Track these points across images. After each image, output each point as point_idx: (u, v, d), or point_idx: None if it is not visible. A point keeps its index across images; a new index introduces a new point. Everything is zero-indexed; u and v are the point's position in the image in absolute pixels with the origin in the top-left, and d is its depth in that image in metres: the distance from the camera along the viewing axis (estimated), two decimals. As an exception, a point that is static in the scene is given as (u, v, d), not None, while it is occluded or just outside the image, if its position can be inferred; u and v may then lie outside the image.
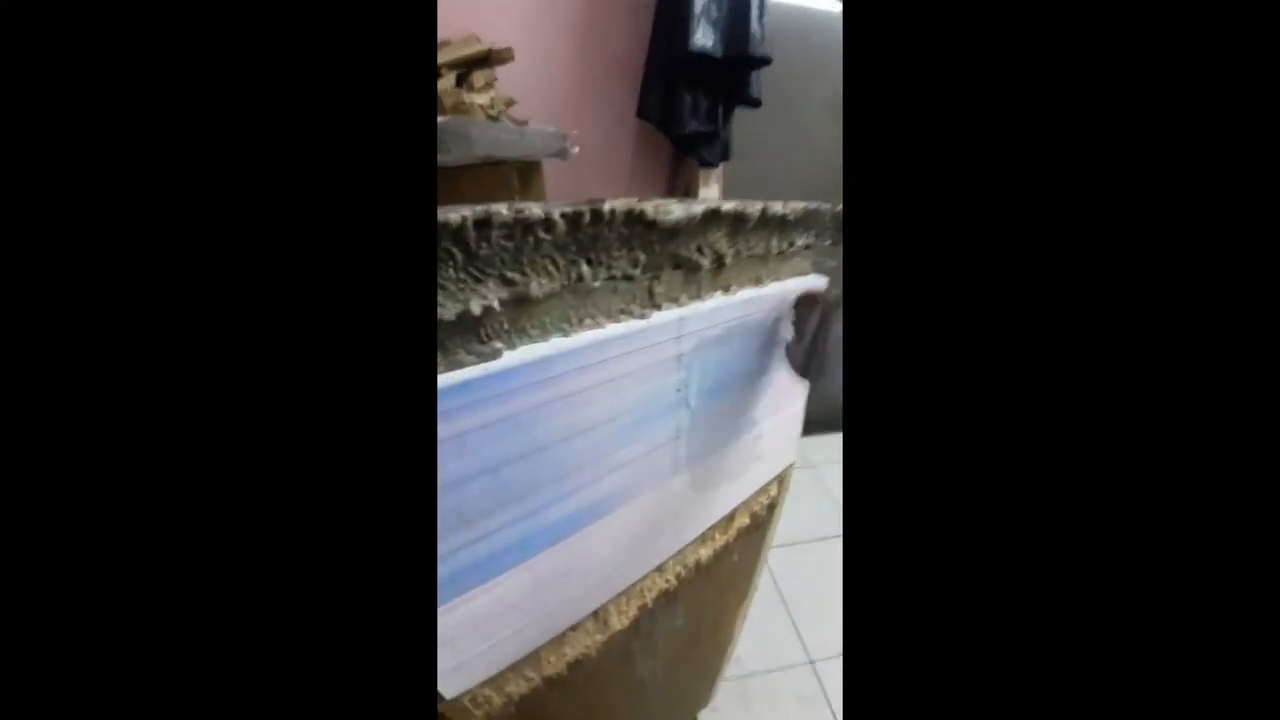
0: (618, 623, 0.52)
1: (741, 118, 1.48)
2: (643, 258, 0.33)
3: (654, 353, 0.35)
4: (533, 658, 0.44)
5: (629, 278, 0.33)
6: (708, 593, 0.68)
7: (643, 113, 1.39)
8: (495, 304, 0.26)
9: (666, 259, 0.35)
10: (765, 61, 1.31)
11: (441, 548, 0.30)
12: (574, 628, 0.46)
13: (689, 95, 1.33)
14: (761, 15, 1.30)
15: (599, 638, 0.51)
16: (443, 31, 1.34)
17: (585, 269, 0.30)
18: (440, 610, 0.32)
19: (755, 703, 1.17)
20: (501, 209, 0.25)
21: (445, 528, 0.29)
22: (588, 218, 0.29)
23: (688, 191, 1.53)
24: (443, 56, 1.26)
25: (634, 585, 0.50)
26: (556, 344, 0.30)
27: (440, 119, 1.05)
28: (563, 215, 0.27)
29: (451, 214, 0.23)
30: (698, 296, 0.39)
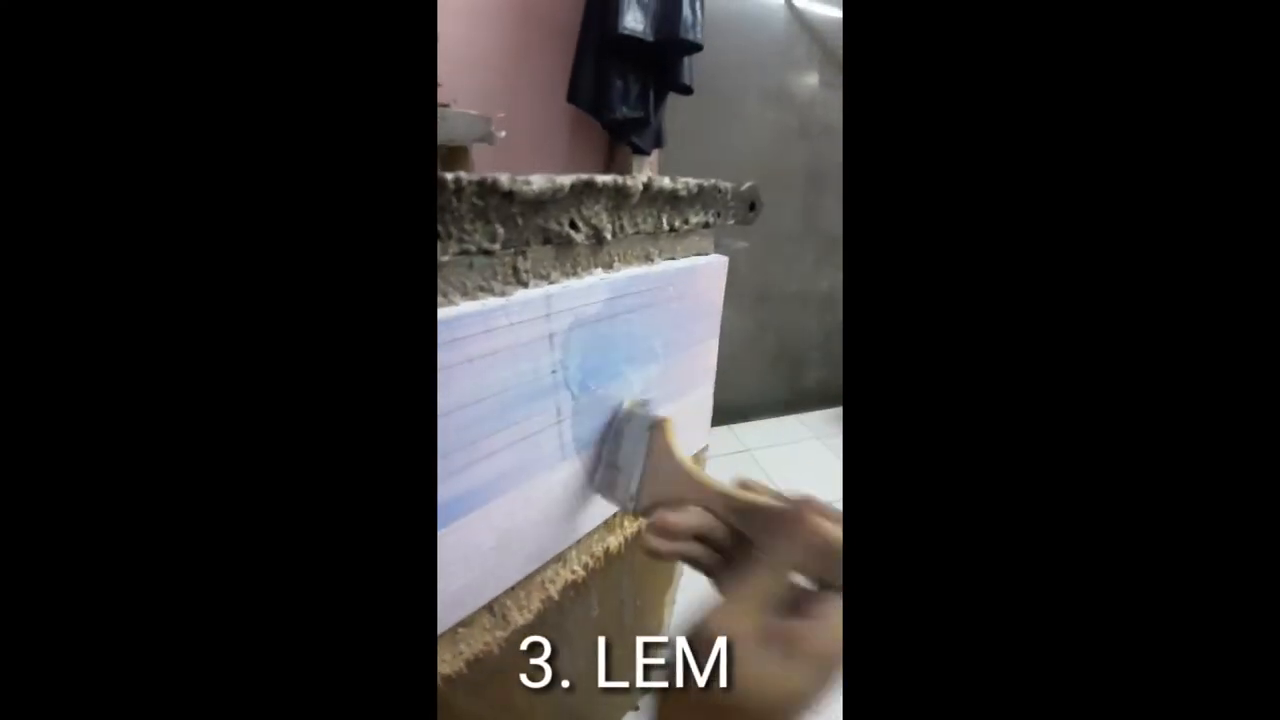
0: (520, 618, 0.50)
1: (679, 106, 1.47)
2: (502, 231, 0.31)
3: (519, 331, 0.33)
4: (421, 657, 0.42)
5: (486, 252, 0.31)
6: (624, 582, 0.67)
7: (573, 97, 1.36)
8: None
9: (533, 233, 0.34)
10: (697, 47, 1.30)
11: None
12: (465, 624, 0.44)
13: (620, 80, 1.31)
14: (695, 0, 1.29)
15: (499, 634, 0.49)
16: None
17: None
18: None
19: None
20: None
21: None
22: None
23: (623, 179, 1.51)
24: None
25: (532, 577, 0.48)
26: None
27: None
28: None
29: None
30: (573, 273, 0.37)
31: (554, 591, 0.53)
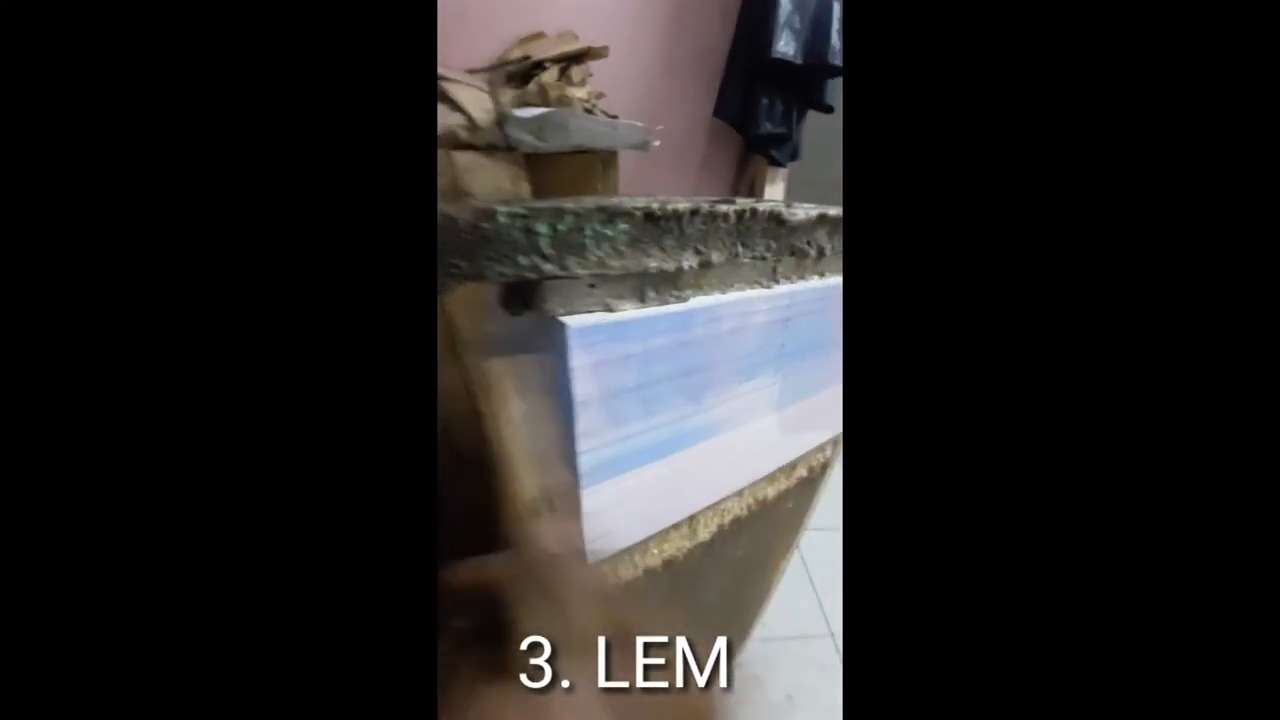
0: (703, 534, 0.64)
1: (811, 121, 1.57)
2: (773, 245, 0.46)
3: (772, 314, 0.48)
4: (641, 546, 0.56)
5: (763, 259, 0.46)
6: (763, 535, 0.80)
7: (720, 112, 1.50)
8: (691, 266, 0.39)
9: (786, 248, 0.48)
10: (841, 71, 1.41)
11: (614, 434, 0.42)
12: (675, 527, 0.59)
13: (765, 98, 1.44)
14: (841, 27, 1.40)
15: (687, 545, 0.63)
16: (540, 25, 1.45)
17: (740, 249, 0.43)
18: (594, 487, 0.44)
19: (776, 665, 1.24)
20: (704, 203, 0.38)
21: (623, 415, 0.42)
22: (748, 214, 0.42)
23: (752, 188, 1.64)
24: (545, 50, 1.39)
25: (719, 503, 0.63)
26: (718, 298, 0.43)
27: (544, 109, 1.19)
28: (735, 212, 0.40)
29: (681, 203, 0.36)
30: (804, 277, 0.51)
31: (726, 521, 0.67)
